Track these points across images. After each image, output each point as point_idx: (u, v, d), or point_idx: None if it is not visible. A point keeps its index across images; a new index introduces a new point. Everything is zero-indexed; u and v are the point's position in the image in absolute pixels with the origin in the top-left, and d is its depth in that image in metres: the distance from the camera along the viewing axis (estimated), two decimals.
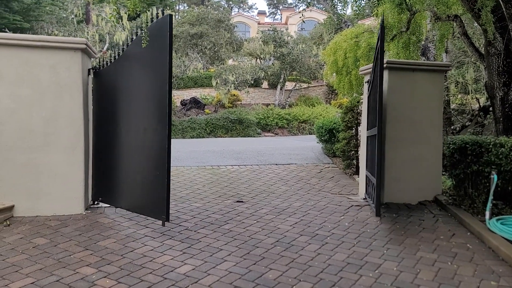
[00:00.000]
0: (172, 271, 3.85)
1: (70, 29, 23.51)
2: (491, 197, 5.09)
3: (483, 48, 7.31)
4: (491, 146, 5.47)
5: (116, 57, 5.50)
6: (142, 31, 4.89)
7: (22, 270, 3.77)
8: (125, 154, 5.36)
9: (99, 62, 5.77)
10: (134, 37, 5.16)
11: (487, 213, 5.04)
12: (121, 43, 21.71)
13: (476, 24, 8.74)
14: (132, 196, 5.29)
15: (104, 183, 5.65)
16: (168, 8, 34.93)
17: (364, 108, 7.08)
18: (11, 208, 5.16)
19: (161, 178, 4.72)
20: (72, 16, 25.89)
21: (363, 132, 7.16)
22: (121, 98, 5.42)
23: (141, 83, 5.06)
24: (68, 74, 5.38)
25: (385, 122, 6.38)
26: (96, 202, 5.80)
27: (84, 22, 26.52)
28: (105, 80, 5.66)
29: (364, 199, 6.57)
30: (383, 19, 5.20)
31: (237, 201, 6.39)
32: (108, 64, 5.65)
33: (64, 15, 28.34)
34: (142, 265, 3.95)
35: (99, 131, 5.73)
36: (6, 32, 17.55)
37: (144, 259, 4.09)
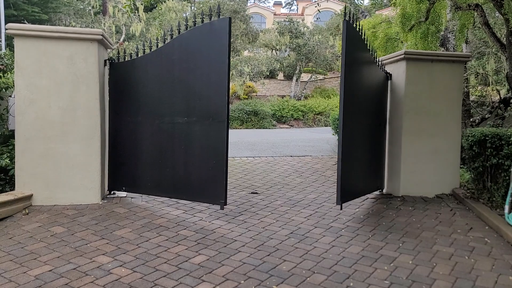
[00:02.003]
0: (186, 261, 3.88)
1: (87, 21, 23.69)
2: (510, 191, 4.99)
3: (505, 38, 7.12)
4: (511, 138, 5.35)
5: (147, 51, 5.58)
6: (189, 28, 5.21)
7: (40, 258, 3.84)
8: (164, 145, 5.40)
9: (118, 54, 5.81)
10: (169, 35, 5.36)
11: (506, 207, 4.94)
12: (137, 34, 21.84)
13: (498, 13, 8.51)
14: (177, 184, 5.36)
15: (129, 173, 5.66)
16: None
17: None
18: (29, 197, 5.25)
19: (220, 167, 5.02)
20: (89, 8, 26.06)
21: None
22: (156, 91, 5.43)
23: (191, 78, 5.19)
24: (85, 65, 5.42)
25: (402, 114, 6.29)
26: (112, 192, 5.87)
27: (101, 13, 26.70)
28: (132, 72, 5.61)
29: (380, 192, 6.50)
30: (345, 10, 5.12)
31: (252, 193, 6.39)
32: (133, 57, 5.68)
33: (81, 7, 28.57)
34: (157, 255, 3.99)
35: (120, 122, 5.71)
36: (25, 23, 17.79)
37: (159, 249, 4.12)
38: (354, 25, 5.31)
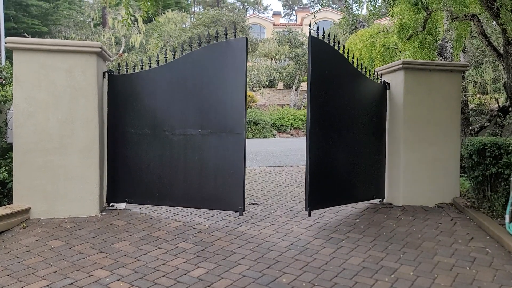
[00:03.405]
0: (185, 274, 3.84)
1: (87, 33, 23.85)
2: (511, 200, 4.97)
3: (502, 48, 7.15)
4: (510, 147, 5.34)
5: (153, 65, 5.76)
6: (201, 45, 5.53)
7: (37, 273, 3.80)
8: (175, 156, 5.52)
9: (119, 66, 5.87)
10: (180, 51, 5.71)
11: (507, 217, 4.91)
12: (137, 45, 21.94)
13: (494, 23, 8.55)
14: (190, 194, 5.48)
15: (133, 184, 5.67)
16: (183, 10, 35.14)
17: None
18: (27, 210, 5.22)
19: (238, 176, 5.28)
20: (89, 20, 26.25)
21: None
22: (166, 104, 5.55)
23: (206, 93, 5.43)
24: (84, 77, 5.43)
25: (401, 123, 6.29)
26: (111, 204, 5.84)
27: (100, 25, 26.89)
28: (137, 85, 5.65)
29: (380, 201, 6.48)
30: (310, 26, 5.18)
31: (251, 203, 6.37)
32: (137, 70, 5.77)
33: (81, 19, 28.79)
34: (155, 268, 3.95)
35: (121, 134, 5.71)
36: (25, 36, 17.89)
37: (158, 262, 4.09)
38: (330, 41, 5.45)
